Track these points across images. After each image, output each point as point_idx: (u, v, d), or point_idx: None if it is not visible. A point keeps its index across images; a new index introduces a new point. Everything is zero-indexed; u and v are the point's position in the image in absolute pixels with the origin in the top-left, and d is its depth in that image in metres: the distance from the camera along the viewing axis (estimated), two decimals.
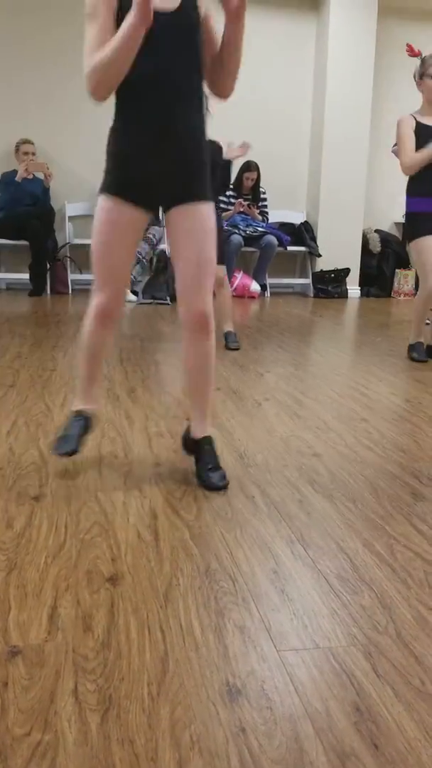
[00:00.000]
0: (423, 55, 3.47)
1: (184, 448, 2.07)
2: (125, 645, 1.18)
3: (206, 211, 1.82)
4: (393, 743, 0.97)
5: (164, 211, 1.85)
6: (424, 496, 1.89)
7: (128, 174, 1.79)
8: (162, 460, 2.10)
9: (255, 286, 6.66)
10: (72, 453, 1.96)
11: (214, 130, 6.65)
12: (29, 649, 1.17)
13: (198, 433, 1.99)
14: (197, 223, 1.80)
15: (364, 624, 1.27)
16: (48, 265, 6.22)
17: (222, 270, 3.87)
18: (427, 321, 5.04)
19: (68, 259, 6.46)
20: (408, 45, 3.61)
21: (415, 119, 3.49)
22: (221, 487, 1.89)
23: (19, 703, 1.03)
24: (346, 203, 6.88)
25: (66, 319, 4.88)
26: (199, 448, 1.97)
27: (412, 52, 3.56)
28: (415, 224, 3.59)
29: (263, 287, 6.79)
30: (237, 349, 3.89)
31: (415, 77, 3.52)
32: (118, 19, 1.67)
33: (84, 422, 2.03)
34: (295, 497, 1.86)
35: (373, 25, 6.56)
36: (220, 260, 3.86)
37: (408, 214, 3.64)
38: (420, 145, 3.48)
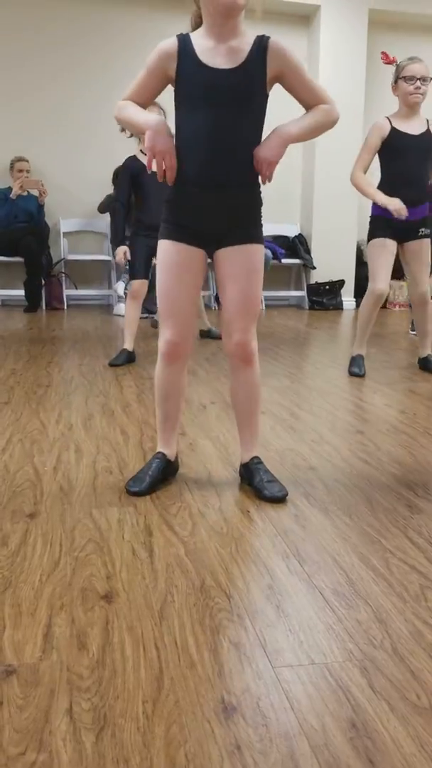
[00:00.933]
0: (398, 61, 3.50)
1: (241, 479, 2.08)
2: (120, 663, 1.18)
3: (254, 252, 1.87)
4: (389, 759, 0.97)
5: (214, 250, 1.89)
6: (420, 509, 1.89)
7: (183, 223, 1.84)
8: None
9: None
10: (139, 494, 1.94)
11: None
12: (24, 668, 1.16)
13: (246, 456, 2.03)
14: (245, 264, 1.86)
15: (360, 639, 1.27)
16: (43, 281, 6.24)
17: None
18: (413, 332, 5.07)
19: (63, 275, 6.48)
20: (383, 53, 3.64)
21: (391, 124, 3.50)
22: (281, 497, 1.92)
23: (14, 723, 1.03)
24: (340, 215, 6.92)
25: (61, 335, 4.88)
26: (250, 468, 2.01)
27: (387, 60, 3.59)
28: (374, 226, 3.62)
29: None
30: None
31: (391, 83, 3.55)
32: (178, 72, 1.76)
33: (161, 464, 2.02)
34: (291, 511, 1.86)
35: (363, 39, 6.64)
36: None
37: (371, 217, 3.68)
38: (390, 150, 3.48)
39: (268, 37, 1.78)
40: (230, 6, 1.69)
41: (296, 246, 7.00)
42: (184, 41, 1.77)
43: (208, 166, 1.77)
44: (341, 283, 6.96)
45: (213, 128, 1.75)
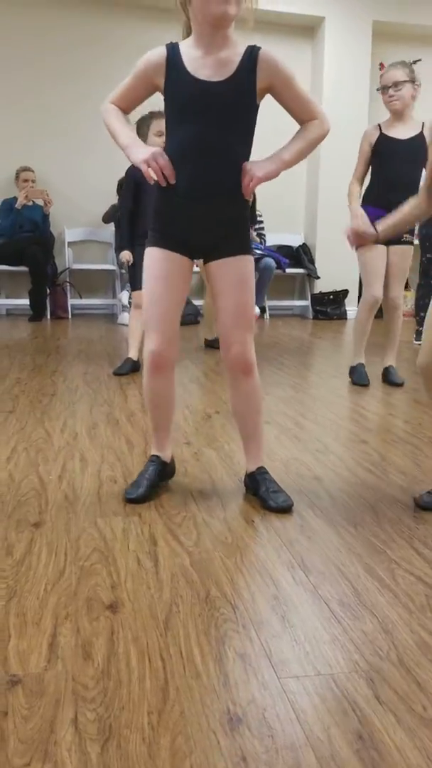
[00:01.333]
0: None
1: (246, 489, 2.08)
2: (125, 673, 1.18)
3: (244, 263, 1.87)
4: None
5: (204, 262, 1.90)
6: (425, 519, 1.88)
7: (171, 232, 1.84)
8: (161, 484, 2.09)
9: (254, 309, 6.69)
10: (137, 500, 1.95)
11: None
12: (29, 678, 1.16)
13: (252, 467, 2.03)
14: (235, 276, 1.85)
15: (366, 650, 1.26)
16: (48, 291, 6.26)
17: None
18: (417, 342, 5.06)
19: (68, 284, 6.50)
20: (381, 64, 3.68)
21: (381, 130, 3.53)
22: (287, 508, 1.91)
23: (19, 733, 1.03)
24: (344, 225, 6.93)
25: (66, 343, 4.90)
26: (256, 478, 2.00)
27: (382, 70, 3.63)
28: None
29: (262, 309, 6.82)
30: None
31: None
32: (166, 83, 1.76)
33: (157, 467, 2.04)
34: (296, 521, 1.86)
35: (367, 50, 6.67)
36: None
37: None
38: (378, 155, 3.50)
39: (259, 48, 1.76)
40: (220, 17, 1.67)
41: (300, 256, 7.01)
42: (172, 51, 1.76)
43: (197, 177, 1.77)
44: (345, 292, 6.97)
45: (202, 140, 1.74)
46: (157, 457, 2.05)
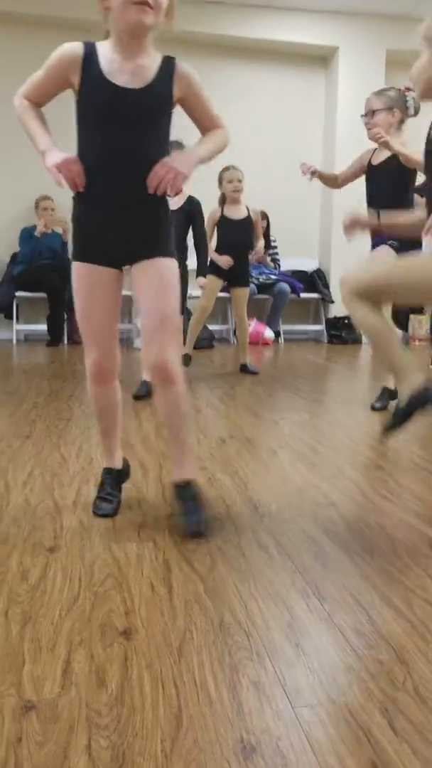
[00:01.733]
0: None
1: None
2: (139, 700, 1.17)
3: (164, 265, 1.84)
4: None
5: (129, 267, 1.90)
6: None
7: (92, 243, 1.85)
8: (176, 510, 2.10)
9: (269, 333, 6.72)
10: (109, 515, 2.01)
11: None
12: (43, 703, 1.16)
13: (176, 476, 2.00)
14: (156, 279, 1.83)
15: (381, 679, 1.25)
16: (65, 316, 6.33)
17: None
18: None
19: None
20: (405, 88, 3.69)
21: (372, 154, 3.59)
22: (196, 532, 1.88)
23: (33, 759, 1.03)
24: (358, 250, 6.97)
25: (82, 369, 4.92)
26: (176, 491, 1.99)
27: None
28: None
29: (277, 334, 6.85)
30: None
31: None
32: (81, 83, 1.74)
33: (112, 480, 2.10)
34: (311, 548, 1.85)
35: (381, 79, 6.75)
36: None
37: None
38: (367, 182, 3.62)
39: (175, 59, 1.79)
40: (136, 25, 1.68)
41: (315, 280, 7.05)
42: (90, 51, 1.74)
43: (113, 185, 1.77)
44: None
45: (117, 147, 1.74)
46: (109, 470, 2.10)
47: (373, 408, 3.67)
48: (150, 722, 1.12)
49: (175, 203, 4.00)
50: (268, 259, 6.87)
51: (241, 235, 4.67)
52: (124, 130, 1.75)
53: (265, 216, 6.85)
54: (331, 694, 1.21)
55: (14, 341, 6.48)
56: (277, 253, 7.01)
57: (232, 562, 1.74)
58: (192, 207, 4.15)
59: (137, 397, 3.78)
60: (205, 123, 1.88)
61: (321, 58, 7.00)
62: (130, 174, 1.77)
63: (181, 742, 1.07)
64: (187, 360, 4.80)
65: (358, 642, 1.38)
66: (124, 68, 1.74)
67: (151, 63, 1.76)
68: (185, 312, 6.07)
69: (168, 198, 1.86)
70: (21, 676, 1.24)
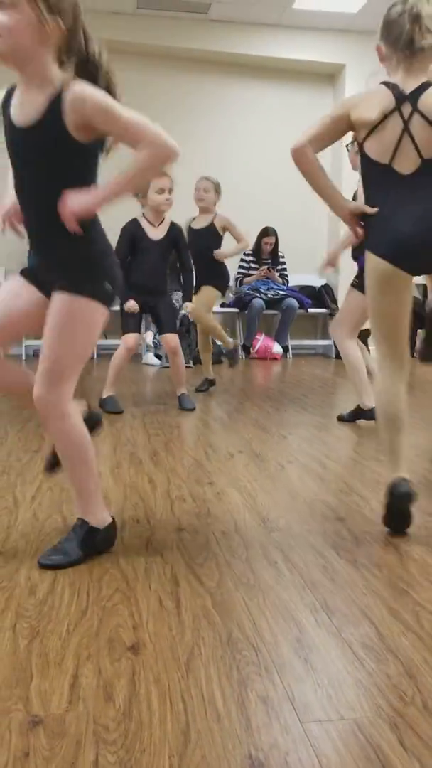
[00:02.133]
0: None
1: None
2: (146, 715, 1.17)
3: (65, 302, 1.73)
4: None
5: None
6: None
7: (30, 265, 1.89)
8: (184, 524, 2.10)
9: (277, 348, 6.74)
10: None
11: (238, 194, 6.94)
12: (50, 718, 1.16)
13: (76, 512, 1.89)
14: (53, 313, 1.75)
15: (390, 694, 1.24)
16: None
17: (175, 339, 4.03)
18: None
19: None
20: None
21: None
22: (44, 566, 1.76)
23: None
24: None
25: (90, 383, 4.95)
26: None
27: None
28: (361, 278, 3.75)
29: (285, 349, 6.86)
30: (192, 410, 3.96)
31: None
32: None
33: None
34: (319, 562, 1.84)
35: None
36: (173, 329, 4.06)
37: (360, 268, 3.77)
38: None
39: (69, 84, 1.61)
40: None
41: (322, 295, 7.07)
42: (9, 92, 1.71)
43: (30, 222, 1.80)
44: (367, 332, 6.97)
45: (26, 186, 1.74)
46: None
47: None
48: (158, 738, 1.11)
49: (155, 235, 4.00)
50: (277, 275, 6.90)
51: (200, 243, 4.54)
52: (22, 168, 1.74)
53: (273, 232, 6.91)
54: (339, 709, 1.20)
55: (23, 357, 6.51)
56: (285, 269, 7.04)
57: (240, 577, 1.73)
58: (174, 233, 4.11)
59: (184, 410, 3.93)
60: (125, 141, 1.66)
61: (328, 76, 7.06)
62: (40, 212, 1.75)
63: (188, 758, 1.06)
64: (205, 384, 4.76)
65: (366, 656, 1.37)
66: (21, 103, 1.68)
67: (44, 95, 1.62)
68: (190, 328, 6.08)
69: (93, 234, 1.78)
70: (28, 690, 1.24)
